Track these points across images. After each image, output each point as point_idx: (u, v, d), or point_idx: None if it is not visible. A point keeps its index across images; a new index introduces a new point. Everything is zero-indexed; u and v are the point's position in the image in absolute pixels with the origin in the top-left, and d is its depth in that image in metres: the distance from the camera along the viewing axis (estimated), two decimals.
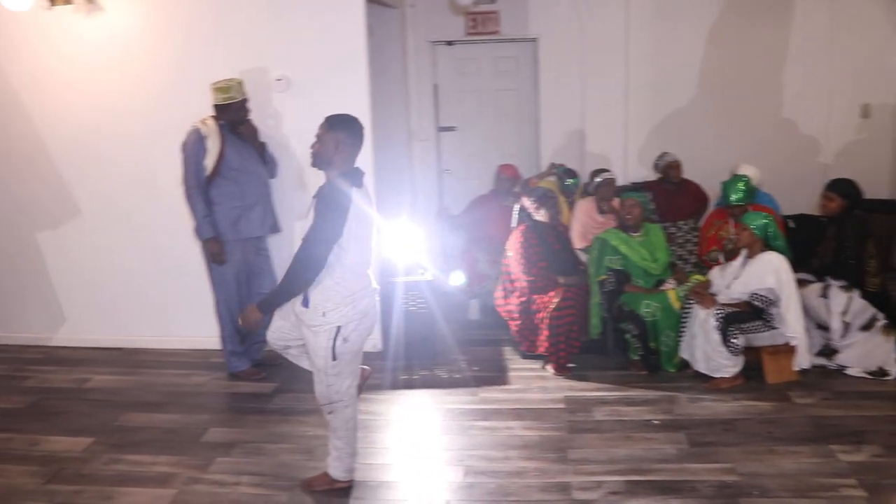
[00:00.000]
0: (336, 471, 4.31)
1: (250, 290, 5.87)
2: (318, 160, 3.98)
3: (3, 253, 6.66)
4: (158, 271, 6.38)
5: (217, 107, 5.60)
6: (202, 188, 5.56)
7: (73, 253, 6.53)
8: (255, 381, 5.81)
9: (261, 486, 4.42)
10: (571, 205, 7.05)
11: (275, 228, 5.95)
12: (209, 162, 5.55)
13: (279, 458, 4.70)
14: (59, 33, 6.19)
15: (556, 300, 5.83)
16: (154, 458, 4.76)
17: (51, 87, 6.30)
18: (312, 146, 4.00)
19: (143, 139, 6.21)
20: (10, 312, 6.76)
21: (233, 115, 5.61)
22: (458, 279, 6.87)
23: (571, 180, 7.09)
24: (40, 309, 6.71)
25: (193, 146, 5.52)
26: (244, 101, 5.64)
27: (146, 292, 6.47)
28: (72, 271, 6.56)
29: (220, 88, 5.55)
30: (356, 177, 3.98)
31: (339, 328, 3.94)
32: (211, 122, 5.59)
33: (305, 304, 3.96)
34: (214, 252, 5.63)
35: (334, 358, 3.98)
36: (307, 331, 4.01)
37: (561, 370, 5.81)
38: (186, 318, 6.44)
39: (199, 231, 5.62)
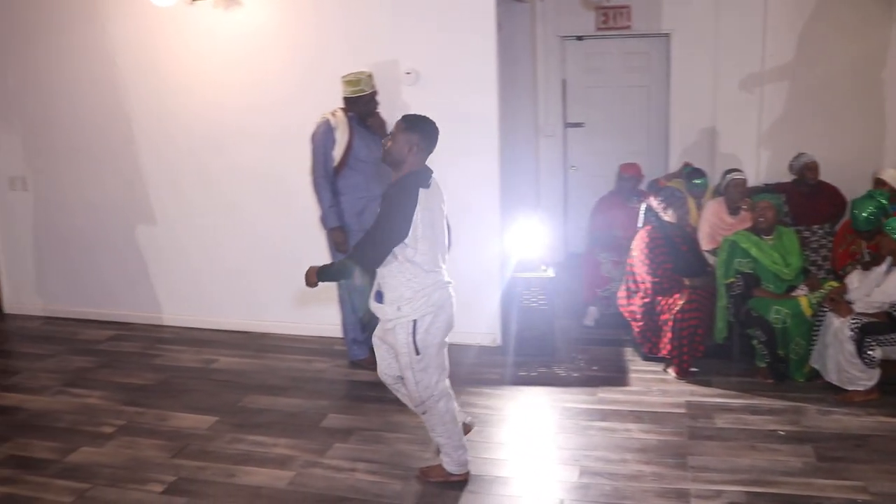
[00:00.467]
0: (449, 465, 4.33)
1: (372, 280, 5.93)
2: (390, 159, 4.01)
3: (144, 238, 6.98)
4: (285, 259, 6.53)
5: (347, 99, 5.68)
6: (329, 178, 5.66)
7: (207, 239, 6.77)
8: (374, 370, 5.88)
9: (376, 473, 4.48)
10: (700, 205, 6.85)
11: None
12: (337, 153, 5.65)
13: (395, 447, 4.74)
14: (196, 28, 6.42)
15: (680, 302, 5.69)
16: (275, 440, 4.88)
17: (185, 80, 6.55)
18: (384, 143, 4.03)
19: (273, 133, 6.40)
20: (145, 294, 7.07)
21: (362, 107, 5.68)
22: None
23: (699, 180, 6.88)
24: (173, 291, 7.00)
25: (322, 137, 5.62)
26: (373, 93, 5.70)
27: (273, 279, 6.64)
28: (205, 257, 6.80)
29: (349, 81, 5.63)
30: (425, 177, 3.99)
31: (415, 321, 3.98)
32: (340, 114, 5.68)
33: (379, 299, 4.05)
34: (339, 241, 5.73)
35: (417, 352, 4.01)
36: (387, 331, 4.06)
37: (683, 374, 5.66)
38: (311, 306, 6.57)
39: (324, 220, 5.73)
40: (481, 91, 5.97)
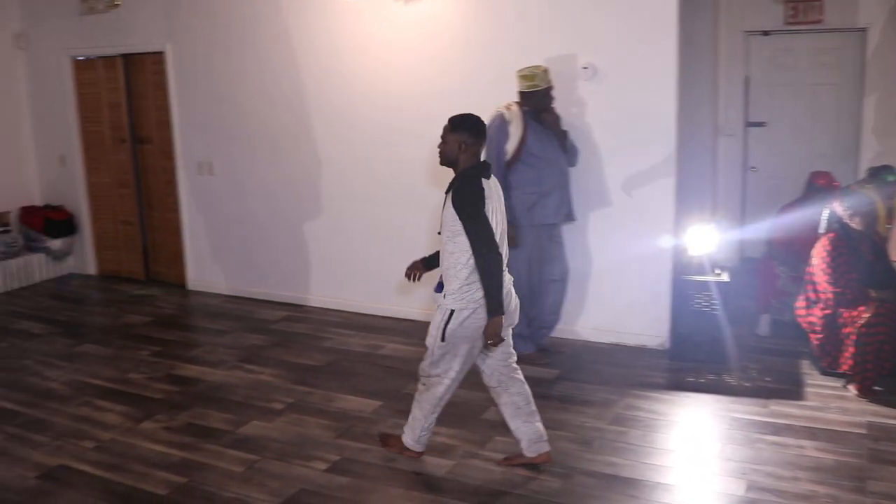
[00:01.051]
0: (407, 437, 4.53)
1: (542, 276, 5.90)
2: (445, 160, 4.16)
3: (318, 224, 7.22)
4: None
5: (522, 94, 5.66)
6: (501, 172, 5.65)
7: (378, 228, 6.92)
8: (537, 366, 5.84)
9: (535, 469, 4.43)
10: (891, 210, 6.38)
11: (569, 217, 5.93)
12: (510, 147, 5.63)
13: (556, 444, 4.68)
14: (376, 19, 6.57)
15: (866, 315, 5.33)
16: (436, 429, 4.89)
17: (363, 72, 6.72)
18: (439, 146, 4.17)
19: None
20: (317, 278, 7.32)
21: (537, 102, 5.64)
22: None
23: (892, 177, 6.38)
24: (344, 277, 7.20)
25: (496, 131, 5.61)
26: (548, 88, 5.65)
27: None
28: (375, 245, 6.96)
29: (525, 76, 5.61)
30: (485, 170, 4.12)
31: (452, 311, 4.09)
32: (515, 108, 5.66)
33: (439, 289, 4.20)
34: (509, 236, 5.72)
35: (443, 339, 4.15)
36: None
37: (865, 392, 5.31)
38: None
39: None
40: (660, 87, 5.81)
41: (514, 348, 6.00)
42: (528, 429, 4.40)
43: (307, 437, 4.91)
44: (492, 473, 4.41)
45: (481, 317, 4.07)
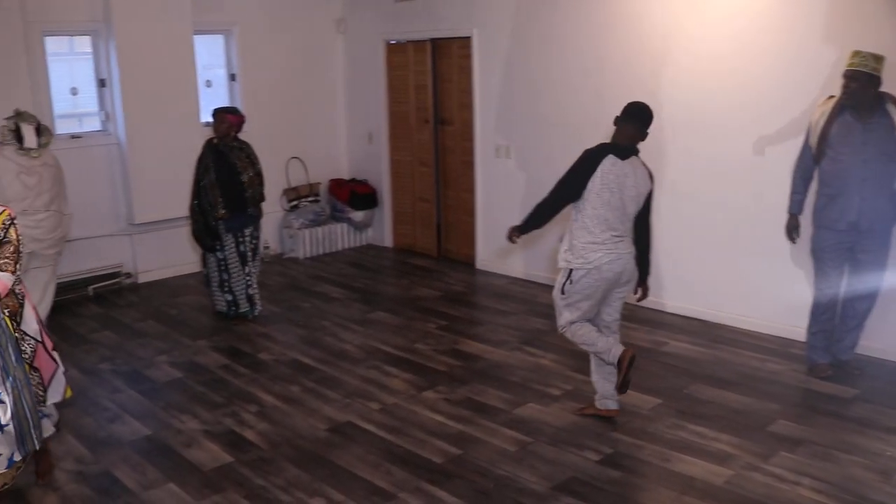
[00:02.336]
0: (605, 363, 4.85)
1: (851, 282, 5.41)
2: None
3: None
4: (749, 250, 6.26)
5: (845, 74, 5.15)
6: (805, 164, 5.41)
7: (672, 222, 6.69)
8: (819, 378, 5.43)
9: (822, 493, 4.09)
10: None
11: (856, 227, 5.30)
12: (812, 140, 5.27)
13: (848, 470, 4.30)
14: (686, 5, 6.32)
15: None
16: (716, 435, 4.70)
17: (668, 61, 6.49)
18: None
19: (750, 120, 6.11)
20: None
21: (858, 89, 5.10)
22: None
23: None
24: None
25: (815, 122, 5.29)
26: (873, 76, 5.08)
27: (736, 269, 6.39)
28: (666, 239, 6.73)
29: (854, 53, 5.09)
30: (619, 150, 4.58)
31: (570, 271, 4.64)
32: (831, 101, 5.23)
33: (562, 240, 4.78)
34: (789, 228, 5.57)
35: (563, 293, 4.71)
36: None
37: None
38: (772, 302, 6.22)
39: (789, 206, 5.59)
40: None
41: (807, 356, 5.64)
42: (603, 385, 4.88)
43: (582, 426, 4.86)
44: (774, 490, 4.12)
45: (595, 279, 4.61)
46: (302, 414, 5.15)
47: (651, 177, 4.71)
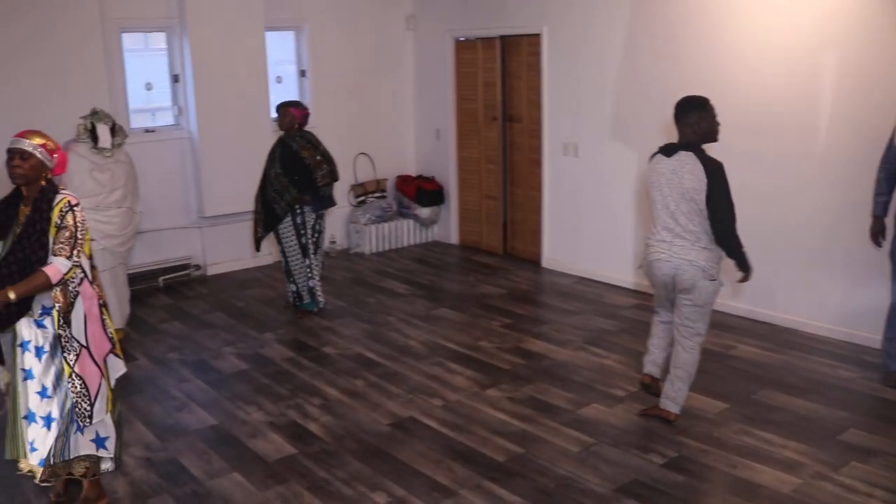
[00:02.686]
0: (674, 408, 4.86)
1: None
2: None
3: None
4: (821, 252, 6.11)
5: None
6: (889, 165, 5.23)
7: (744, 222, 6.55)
8: (889, 387, 5.28)
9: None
10: None
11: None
12: None
13: None
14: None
15: None
16: (784, 442, 4.60)
17: (744, 55, 6.35)
18: None
19: (824, 116, 5.95)
20: None
21: None
22: None
23: None
24: None
25: None
26: None
27: (807, 272, 6.25)
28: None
29: None
30: (670, 148, 4.60)
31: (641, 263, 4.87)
32: None
33: None
34: (873, 231, 5.40)
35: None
36: None
37: None
38: (845, 307, 6.06)
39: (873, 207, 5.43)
40: None
41: (883, 363, 5.51)
42: (667, 385, 4.83)
43: (646, 429, 4.80)
44: (844, 501, 4.02)
45: (651, 273, 4.76)
46: (365, 408, 5.18)
47: (710, 171, 4.45)
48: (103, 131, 6.13)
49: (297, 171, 6.59)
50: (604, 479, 4.26)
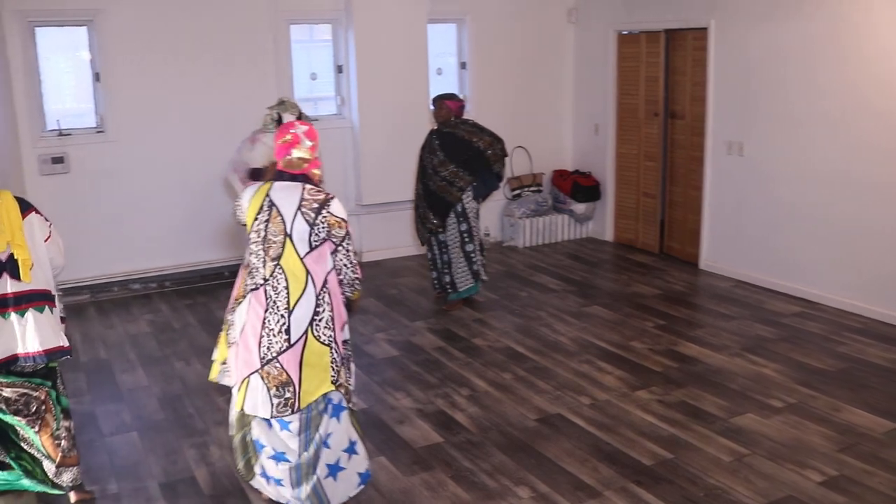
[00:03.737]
0: None
1: None
2: None
3: (843, 214, 6.62)
4: None
5: None
6: None
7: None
8: None
9: None
10: None
11: None
12: None
13: None
14: None
15: None
16: None
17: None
18: None
19: None
20: (833, 275, 6.73)
21: None
22: None
23: None
24: (869, 279, 6.52)
25: None
26: None
27: None
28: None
29: None
30: None
31: None
32: None
33: None
34: None
35: None
36: None
37: None
38: None
39: None
40: None
41: None
42: None
43: (804, 443, 4.57)
44: None
45: None
46: (512, 402, 5.18)
47: None
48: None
49: (466, 155, 6.70)
50: (756, 492, 4.08)
